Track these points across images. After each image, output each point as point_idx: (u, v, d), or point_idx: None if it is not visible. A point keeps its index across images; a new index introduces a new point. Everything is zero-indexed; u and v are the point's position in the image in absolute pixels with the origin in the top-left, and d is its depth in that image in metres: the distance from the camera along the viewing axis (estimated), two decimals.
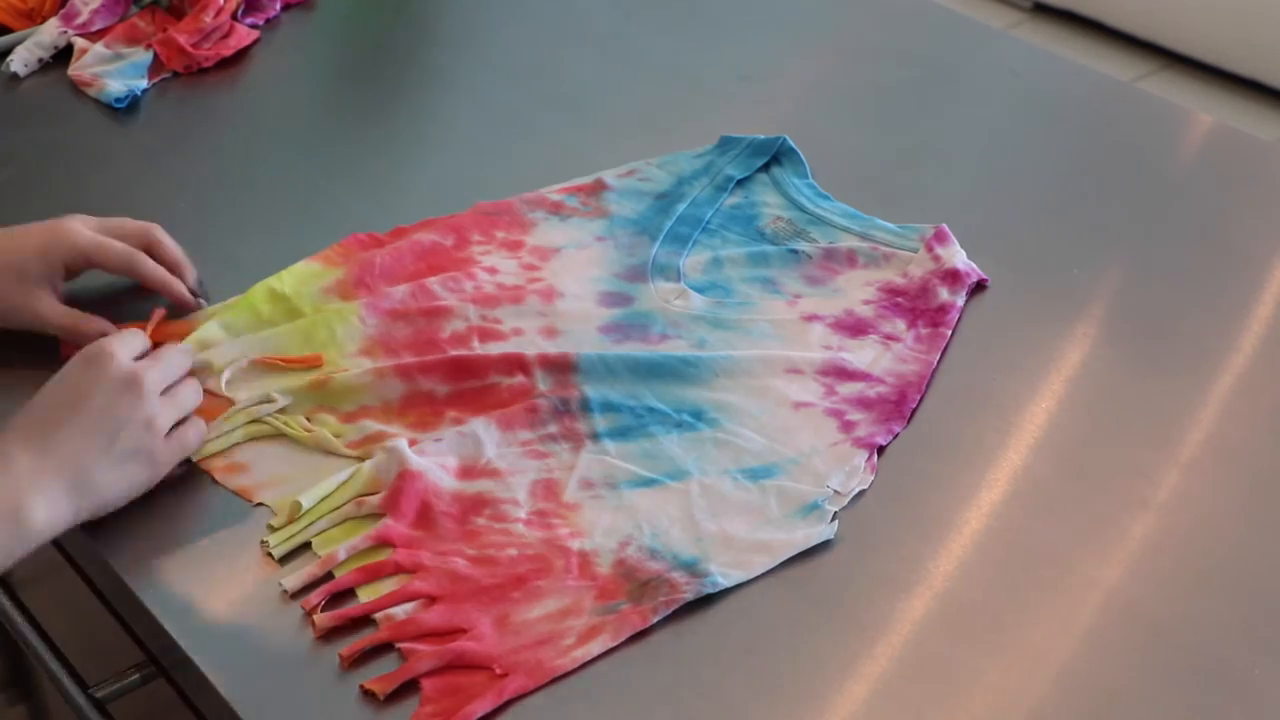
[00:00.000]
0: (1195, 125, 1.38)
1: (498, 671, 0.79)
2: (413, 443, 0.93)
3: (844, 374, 0.99)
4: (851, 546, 0.88)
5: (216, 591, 0.86)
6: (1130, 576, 0.87)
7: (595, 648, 0.81)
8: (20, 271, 0.96)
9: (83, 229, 1.00)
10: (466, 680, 0.79)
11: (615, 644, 0.81)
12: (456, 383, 0.97)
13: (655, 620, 0.82)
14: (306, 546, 0.87)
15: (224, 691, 0.80)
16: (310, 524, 0.88)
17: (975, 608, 0.85)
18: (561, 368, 0.98)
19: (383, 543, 0.87)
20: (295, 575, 0.85)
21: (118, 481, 0.86)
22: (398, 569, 0.85)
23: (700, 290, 1.07)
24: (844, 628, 0.83)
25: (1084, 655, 0.83)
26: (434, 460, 0.91)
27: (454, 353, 1.00)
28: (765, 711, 0.79)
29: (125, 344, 0.90)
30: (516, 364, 0.98)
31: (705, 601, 0.84)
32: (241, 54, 1.39)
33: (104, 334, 0.96)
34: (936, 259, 1.08)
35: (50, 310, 0.98)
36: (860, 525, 0.89)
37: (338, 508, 0.89)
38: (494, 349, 1.00)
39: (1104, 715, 0.79)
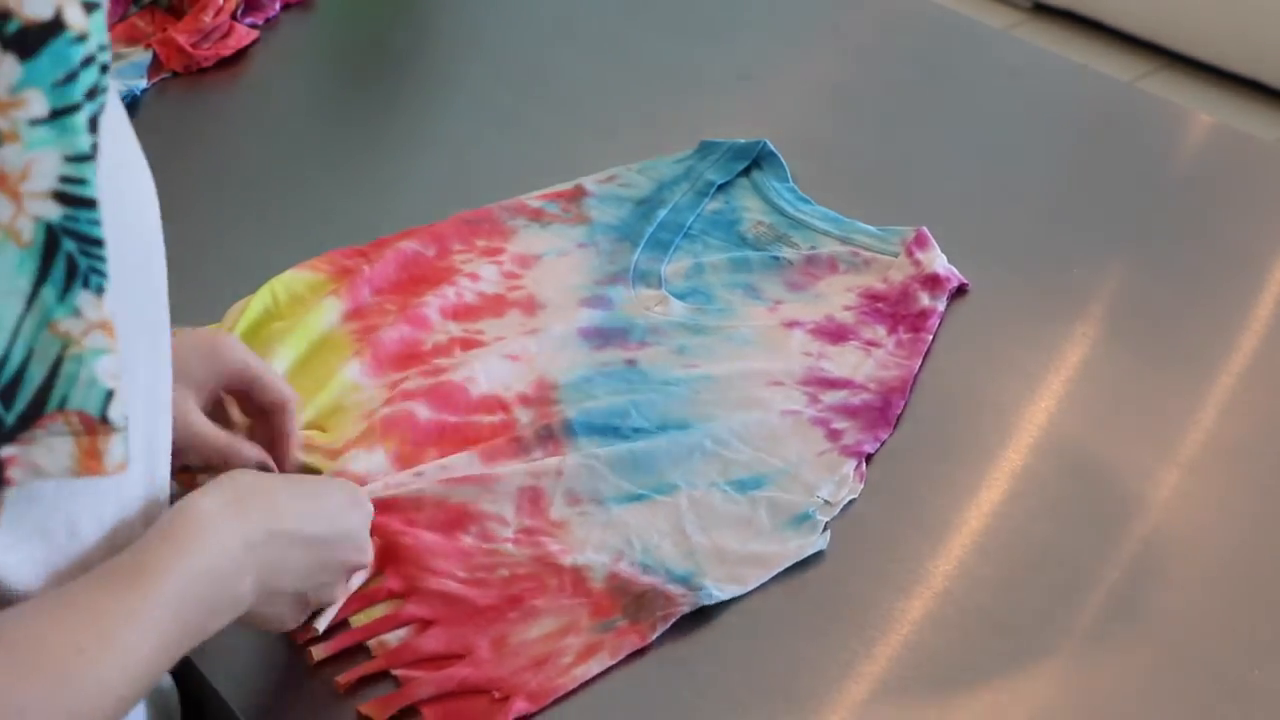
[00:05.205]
0: (1195, 125, 1.38)
1: (497, 696, 0.78)
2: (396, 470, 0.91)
3: (825, 383, 0.99)
4: (851, 547, 0.87)
5: None
6: (1130, 576, 0.87)
7: (595, 666, 0.80)
8: (180, 370, 0.73)
9: (247, 349, 0.84)
10: (468, 705, 0.77)
11: (614, 662, 0.80)
12: (440, 411, 0.95)
13: (654, 637, 0.81)
14: None
15: (224, 693, 0.79)
16: None
17: (975, 608, 0.85)
18: (540, 400, 0.97)
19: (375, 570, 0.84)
20: None
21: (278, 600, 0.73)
22: (390, 595, 0.83)
23: (681, 296, 1.07)
24: (844, 628, 0.83)
25: (1084, 655, 0.83)
26: (414, 487, 0.89)
27: (437, 362, 0.99)
28: (765, 711, 0.79)
29: None
30: (496, 404, 0.96)
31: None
32: (241, 54, 1.39)
33: (259, 460, 0.83)
34: (917, 264, 1.07)
35: (203, 425, 0.81)
36: (860, 526, 0.89)
37: None
38: (475, 356, 0.99)
39: (1104, 715, 0.79)
